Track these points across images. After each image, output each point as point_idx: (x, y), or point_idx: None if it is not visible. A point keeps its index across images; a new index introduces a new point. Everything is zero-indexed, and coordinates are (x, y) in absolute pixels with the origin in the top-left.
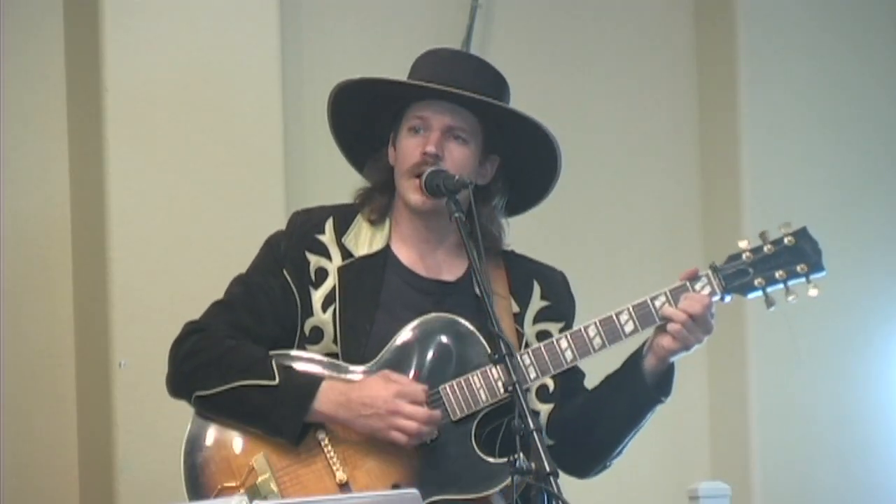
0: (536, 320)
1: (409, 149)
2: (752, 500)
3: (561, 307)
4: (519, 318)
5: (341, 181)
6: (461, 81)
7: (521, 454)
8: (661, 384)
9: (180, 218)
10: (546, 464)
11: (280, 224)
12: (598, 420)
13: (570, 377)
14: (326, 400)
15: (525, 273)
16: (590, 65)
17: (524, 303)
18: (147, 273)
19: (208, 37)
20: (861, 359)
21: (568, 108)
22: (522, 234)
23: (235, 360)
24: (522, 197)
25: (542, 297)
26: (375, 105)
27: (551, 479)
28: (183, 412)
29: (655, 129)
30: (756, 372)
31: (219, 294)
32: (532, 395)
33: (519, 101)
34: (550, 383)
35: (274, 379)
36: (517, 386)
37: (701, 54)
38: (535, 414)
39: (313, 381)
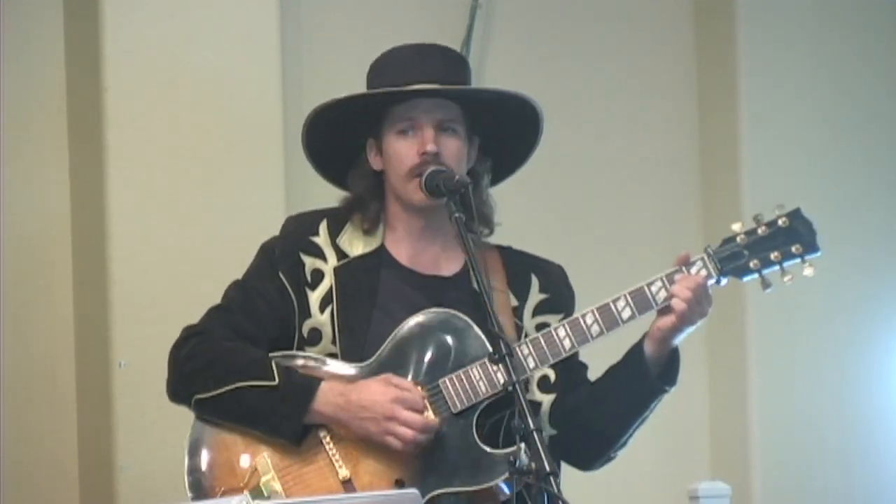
0: (536, 313)
1: (402, 151)
2: (752, 500)
3: (560, 299)
4: (518, 312)
5: None
6: (436, 74)
7: (522, 453)
8: (666, 373)
9: (180, 218)
10: (546, 464)
11: (280, 225)
12: (602, 411)
13: (572, 368)
14: (326, 401)
15: (523, 267)
16: (590, 64)
17: (523, 296)
18: (147, 273)
19: (208, 37)
20: (861, 359)
21: (568, 107)
22: (523, 231)
23: (234, 362)
24: (504, 165)
25: (541, 291)
26: (347, 119)
27: (551, 479)
28: (183, 412)
29: (655, 127)
30: (756, 372)
31: (219, 294)
32: (533, 386)
33: None
34: (552, 374)
35: (273, 380)
36: (517, 386)
37: (701, 52)
38: (537, 405)
39: (313, 382)
